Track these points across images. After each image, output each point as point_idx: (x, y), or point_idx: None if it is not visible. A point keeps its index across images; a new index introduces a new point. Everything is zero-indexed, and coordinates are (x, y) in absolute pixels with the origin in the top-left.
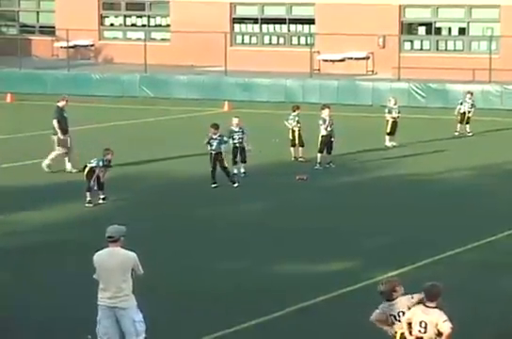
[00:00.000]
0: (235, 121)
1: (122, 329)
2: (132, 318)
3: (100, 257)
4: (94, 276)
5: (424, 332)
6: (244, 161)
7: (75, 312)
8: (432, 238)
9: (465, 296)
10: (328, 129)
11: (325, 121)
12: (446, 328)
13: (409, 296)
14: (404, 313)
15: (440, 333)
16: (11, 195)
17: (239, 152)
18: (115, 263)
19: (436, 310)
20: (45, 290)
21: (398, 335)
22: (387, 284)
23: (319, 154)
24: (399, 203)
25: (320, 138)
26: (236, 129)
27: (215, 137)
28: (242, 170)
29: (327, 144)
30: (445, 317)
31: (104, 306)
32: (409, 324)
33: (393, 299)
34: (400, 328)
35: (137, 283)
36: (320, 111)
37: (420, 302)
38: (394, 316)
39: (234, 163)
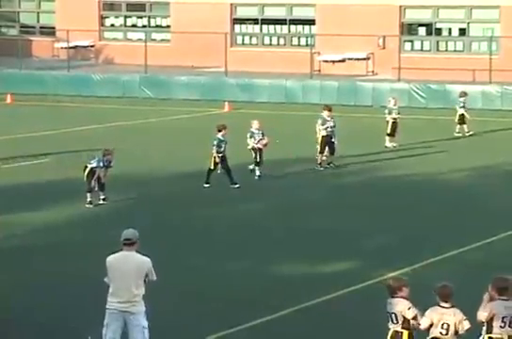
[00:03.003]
0: (256, 124)
1: (129, 334)
2: (141, 324)
3: (114, 261)
4: (105, 279)
5: (446, 334)
6: (261, 163)
7: (75, 312)
8: (432, 238)
9: (465, 296)
10: (329, 130)
11: (325, 121)
12: (465, 326)
13: (409, 304)
14: (396, 315)
15: (456, 332)
16: (11, 195)
17: (258, 153)
18: (130, 268)
19: (454, 309)
20: (45, 291)
21: (390, 333)
22: (396, 281)
23: (319, 155)
24: (399, 204)
25: (320, 139)
26: (256, 131)
27: (222, 138)
28: (257, 173)
29: (327, 144)
30: (464, 316)
31: (114, 310)
32: (430, 325)
33: (395, 297)
34: (395, 327)
35: None
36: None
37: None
38: (390, 314)
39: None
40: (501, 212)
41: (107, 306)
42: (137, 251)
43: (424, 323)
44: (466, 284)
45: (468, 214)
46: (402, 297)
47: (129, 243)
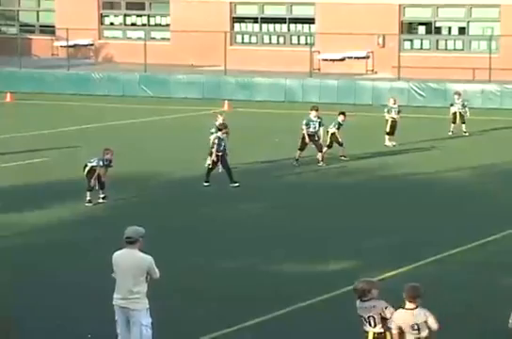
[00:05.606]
0: (221, 119)
1: (130, 330)
2: (140, 321)
3: (117, 257)
4: (112, 275)
5: (419, 333)
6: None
7: (77, 311)
8: (432, 238)
9: (465, 295)
10: (311, 130)
11: (309, 121)
12: (434, 325)
13: (385, 304)
14: (374, 318)
15: (429, 328)
16: (11, 195)
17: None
18: (129, 265)
19: (419, 309)
20: (46, 289)
21: (371, 336)
22: (365, 283)
23: (298, 152)
24: (399, 203)
25: (301, 137)
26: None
27: (222, 137)
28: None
29: (310, 142)
30: (427, 311)
31: (117, 306)
32: (400, 328)
33: (367, 301)
34: (374, 329)
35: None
36: (309, 111)
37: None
38: (366, 318)
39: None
40: (500, 211)
41: (113, 302)
42: (141, 250)
43: (393, 329)
44: (466, 283)
45: (467, 213)
46: (373, 298)
47: (129, 241)
